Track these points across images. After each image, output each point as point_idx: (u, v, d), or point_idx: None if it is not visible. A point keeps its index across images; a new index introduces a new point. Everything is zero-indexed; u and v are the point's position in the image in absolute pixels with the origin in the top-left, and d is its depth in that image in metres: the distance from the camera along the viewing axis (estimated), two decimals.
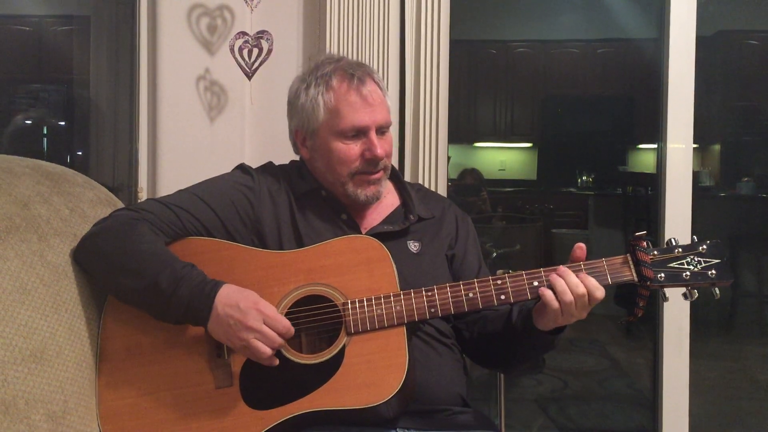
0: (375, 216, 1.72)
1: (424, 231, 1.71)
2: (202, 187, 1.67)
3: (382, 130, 1.65)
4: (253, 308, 1.42)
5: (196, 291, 1.43)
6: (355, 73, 1.64)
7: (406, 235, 1.68)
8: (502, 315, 1.64)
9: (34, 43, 4.65)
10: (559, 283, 1.43)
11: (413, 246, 1.67)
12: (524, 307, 1.57)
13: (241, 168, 1.73)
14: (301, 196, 1.68)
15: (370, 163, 1.63)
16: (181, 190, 1.67)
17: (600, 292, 1.43)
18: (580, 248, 1.48)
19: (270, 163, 1.78)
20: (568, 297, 1.42)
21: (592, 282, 1.44)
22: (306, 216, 1.66)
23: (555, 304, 1.42)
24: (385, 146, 1.64)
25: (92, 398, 1.50)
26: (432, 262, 1.68)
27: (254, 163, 1.76)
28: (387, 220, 1.71)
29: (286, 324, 1.43)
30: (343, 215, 1.67)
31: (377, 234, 1.61)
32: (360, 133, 1.62)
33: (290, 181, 1.71)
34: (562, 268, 1.46)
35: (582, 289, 1.42)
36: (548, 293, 1.43)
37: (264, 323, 1.41)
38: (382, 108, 1.65)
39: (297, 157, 1.78)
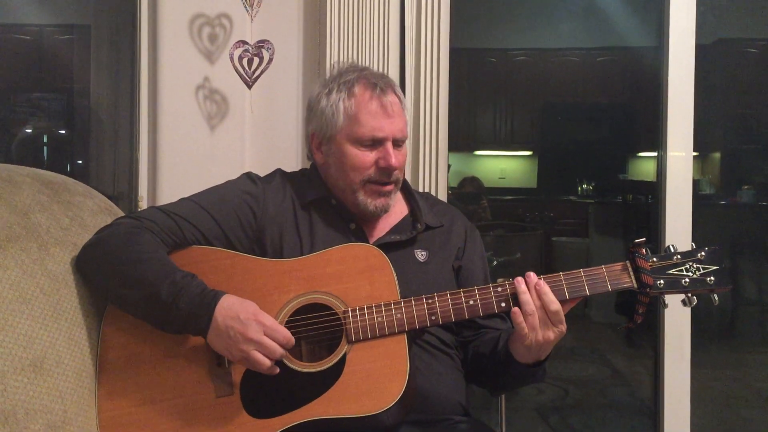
0: (384, 225, 1.72)
1: (432, 240, 1.72)
2: (206, 195, 1.67)
3: (398, 143, 1.66)
4: (253, 319, 1.41)
5: (196, 302, 1.43)
6: (378, 83, 1.65)
7: (413, 243, 1.69)
8: (493, 339, 1.65)
9: (35, 52, 4.65)
10: (522, 289, 1.46)
11: (420, 255, 1.68)
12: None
13: (247, 176, 1.73)
14: (308, 204, 1.69)
15: (383, 173, 1.63)
16: (183, 198, 1.67)
17: (555, 305, 1.45)
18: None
19: (278, 171, 1.78)
20: (530, 307, 1.45)
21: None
22: (312, 224, 1.66)
23: (519, 318, 1.45)
24: (400, 158, 1.65)
25: (92, 408, 1.50)
26: (438, 272, 1.68)
27: (256, 172, 1.76)
28: (394, 230, 1.71)
29: (286, 335, 1.43)
30: (352, 225, 1.67)
31: (385, 244, 1.61)
32: (376, 142, 1.63)
33: (298, 189, 1.71)
34: (541, 283, 1.47)
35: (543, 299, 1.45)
36: (515, 309, 1.46)
37: (264, 334, 1.41)
38: (401, 120, 1.66)
39: (298, 165, 1.78)
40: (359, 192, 1.64)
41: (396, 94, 1.67)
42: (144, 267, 1.47)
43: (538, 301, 1.45)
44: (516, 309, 1.46)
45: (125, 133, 3.06)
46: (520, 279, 1.48)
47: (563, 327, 1.47)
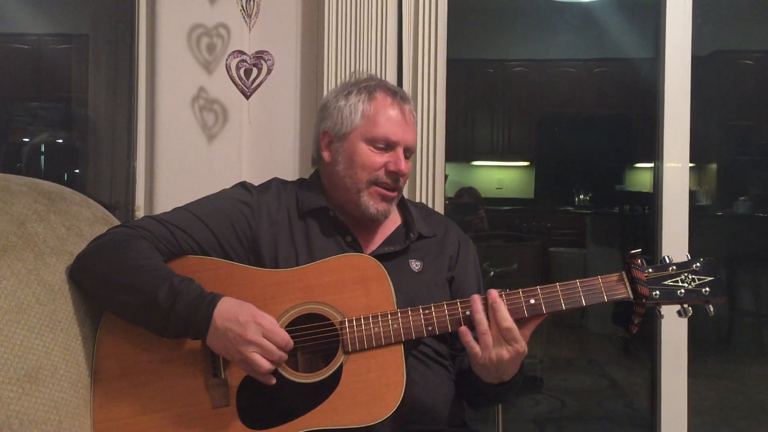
0: (378, 237, 1.72)
1: (427, 250, 1.72)
2: (200, 204, 1.67)
3: (407, 153, 1.69)
4: (252, 321, 1.41)
5: (195, 305, 1.43)
6: (398, 92, 1.71)
7: (407, 253, 1.69)
8: None
9: (33, 62, 4.66)
10: (476, 308, 1.46)
11: (415, 265, 1.68)
12: None
13: (242, 185, 1.73)
14: (306, 214, 1.69)
15: (391, 177, 1.66)
16: (178, 208, 1.66)
17: (507, 323, 1.43)
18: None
19: (275, 179, 1.78)
20: (483, 327, 1.44)
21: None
22: (308, 235, 1.66)
23: (469, 337, 1.45)
24: (407, 167, 1.69)
25: (87, 419, 1.49)
26: (433, 281, 1.68)
27: (253, 182, 1.76)
28: (388, 241, 1.71)
29: (284, 337, 1.42)
30: (348, 237, 1.67)
31: (379, 256, 1.61)
32: (389, 146, 1.66)
33: (296, 198, 1.72)
34: (499, 301, 1.45)
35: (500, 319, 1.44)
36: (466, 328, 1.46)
37: (263, 336, 1.41)
38: (414, 132, 1.72)
39: (296, 175, 1.78)
40: (363, 192, 1.66)
41: (411, 107, 1.73)
42: (141, 273, 1.47)
43: (493, 319, 1.45)
44: (463, 328, 1.45)
45: (123, 143, 3.06)
46: (476, 297, 1.47)
47: (518, 346, 1.44)
